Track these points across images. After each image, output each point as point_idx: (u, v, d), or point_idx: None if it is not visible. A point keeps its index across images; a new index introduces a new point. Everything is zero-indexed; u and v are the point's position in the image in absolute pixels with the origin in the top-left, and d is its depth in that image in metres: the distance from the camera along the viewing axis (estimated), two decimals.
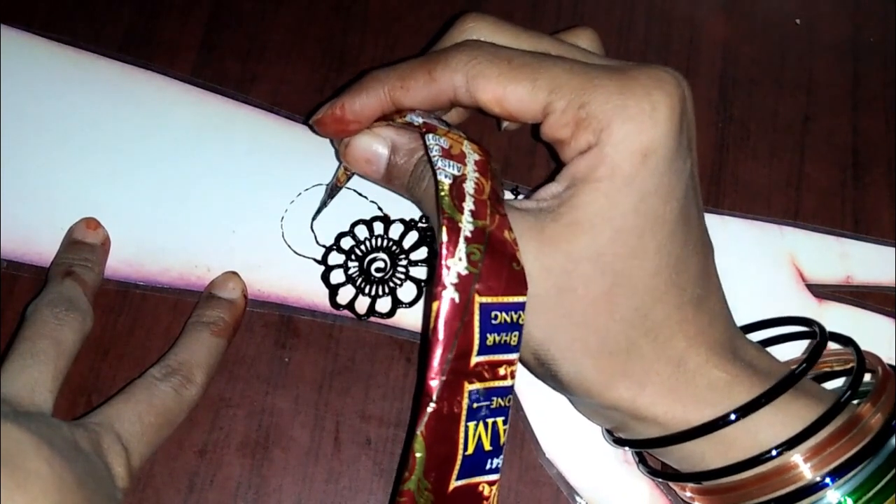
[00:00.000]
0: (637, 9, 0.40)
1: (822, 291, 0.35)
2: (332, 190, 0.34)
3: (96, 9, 0.39)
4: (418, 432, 0.24)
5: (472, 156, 0.27)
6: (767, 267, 0.35)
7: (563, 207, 0.26)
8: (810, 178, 0.37)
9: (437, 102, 0.28)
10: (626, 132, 0.25)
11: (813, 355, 0.27)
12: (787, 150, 0.37)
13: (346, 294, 0.34)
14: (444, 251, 0.24)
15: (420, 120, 0.28)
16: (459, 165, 0.26)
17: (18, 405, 0.28)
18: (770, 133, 0.38)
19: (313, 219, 0.35)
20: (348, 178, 0.34)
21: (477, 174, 0.26)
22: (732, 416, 0.26)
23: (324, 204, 0.35)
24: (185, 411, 0.30)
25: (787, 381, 0.26)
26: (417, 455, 0.24)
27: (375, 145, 0.30)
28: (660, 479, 0.30)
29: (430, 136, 0.27)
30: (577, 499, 0.32)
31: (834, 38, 0.40)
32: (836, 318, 0.34)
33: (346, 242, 0.35)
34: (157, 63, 0.38)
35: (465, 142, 0.27)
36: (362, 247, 0.35)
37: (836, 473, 0.25)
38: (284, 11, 0.39)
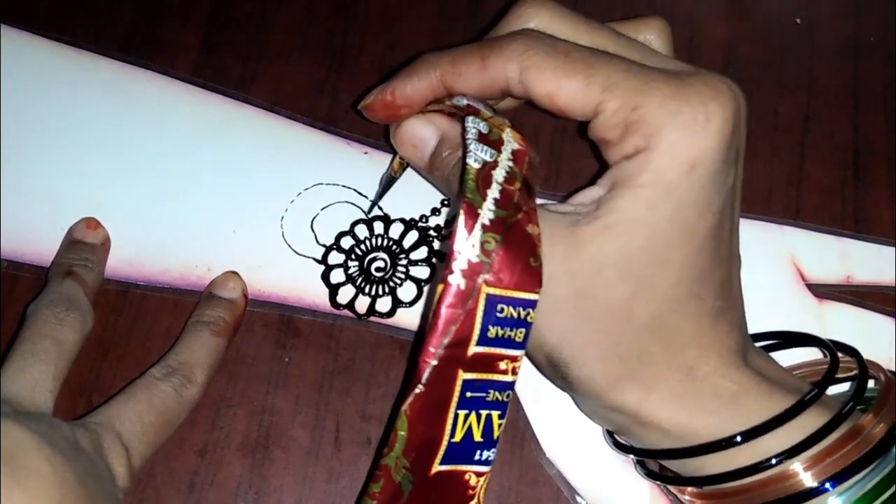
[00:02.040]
0: (637, 9, 0.40)
1: (822, 291, 0.35)
2: (388, 181, 0.34)
3: (96, 9, 0.39)
4: (402, 411, 0.24)
5: (511, 144, 0.26)
6: (767, 267, 0.35)
7: (600, 211, 0.25)
8: (810, 178, 0.37)
9: (489, 90, 0.27)
10: (677, 140, 0.24)
11: (823, 382, 0.27)
12: (788, 150, 0.37)
13: (346, 294, 0.34)
14: (457, 235, 0.24)
15: (465, 102, 0.27)
16: (493, 152, 0.26)
17: (19, 405, 0.28)
18: (770, 133, 0.38)
19: (368, 211, 0.35)
20: (403, 169, 0.34)
21: (511, 163, 0.26)
22: (738, 439, 0.26)
23: (379, 196, 0.35)
24: (185, 411, 0.30)
25: (795, 409, 0.26)
26: (400, 433, 0.24)
27: (425, 131, 0.29)
28: (659, 483, 0.30)
29: (471, 118, 0.26)
30: (578, 499, 0.32)
31: (834, 38, 0.40)
32: (837, 318, 0.34)
33: (347, 242, 0.35)
34: (158, 63, 0.38)
35: (508, 129, 0.27)
36: (362, 246, 0.35)
37: (836, 479, 0.25)
38: (284, 11, 0.39)
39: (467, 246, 0.24)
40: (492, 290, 0.24)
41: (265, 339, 0.34)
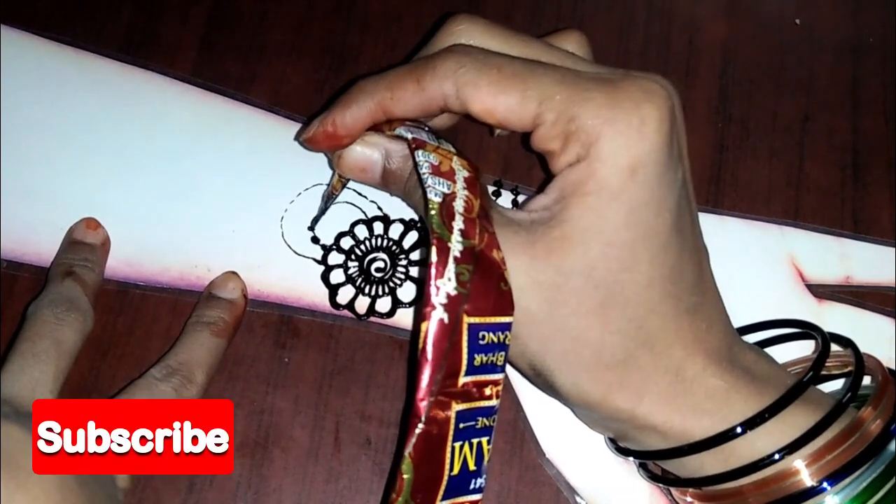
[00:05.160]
0: (637, 9, 0.40)
1: (822, 291, 0.35)
2: (328, 199, 0.34)
3: (96, 9, 0.39)
4: (406, 453, 0.24)
5: (462, 172, 0.27)
6: (767, 267, 0.35)
7: (554, 221, 0.26)
8: (810, 178, 0.37)
9: (428, 110, 0.27)
10: (615, 147, 0.25)
11: (817, 365, 0.27)
12: (787, 150, 0.37)
13: (345, 294, 0.34)
14: (433, 271, 0.24)
15: (410, 135, 0.27)
16: (449, 183, 0.26)
17: (19, 405, 0.28)
18: (770, 133, 0.38)
19: (311, 227, 0.35)
20: (343, 186, 0.34)
21: (466, 192, 0.26)
22: (739, 430, 0.26)
23: (321, 213, 0.35)
24: None
25: (791, 394, 0.26)
26: (405, 476, 0.24)
27: (370, 153, 0.29)
28: (660, 485, 0.30)
29: (420, 152, 0.27)
30: (577, 499, 0.32)
31: (834, 38, 0.40)
32: (836, 318, 0.34)
33: (346, 242, 0.35)
34: (157, 63, 0.38)
35: (455, 157, 0.27)
36: (362, 246, 0.35)
37: (834, 478, 0.25)
38: (284, 11, 0.39)
39: (444, 280, 0.24)
40: (473, 319, 0.25)
41: (265, 340, 0.34)
